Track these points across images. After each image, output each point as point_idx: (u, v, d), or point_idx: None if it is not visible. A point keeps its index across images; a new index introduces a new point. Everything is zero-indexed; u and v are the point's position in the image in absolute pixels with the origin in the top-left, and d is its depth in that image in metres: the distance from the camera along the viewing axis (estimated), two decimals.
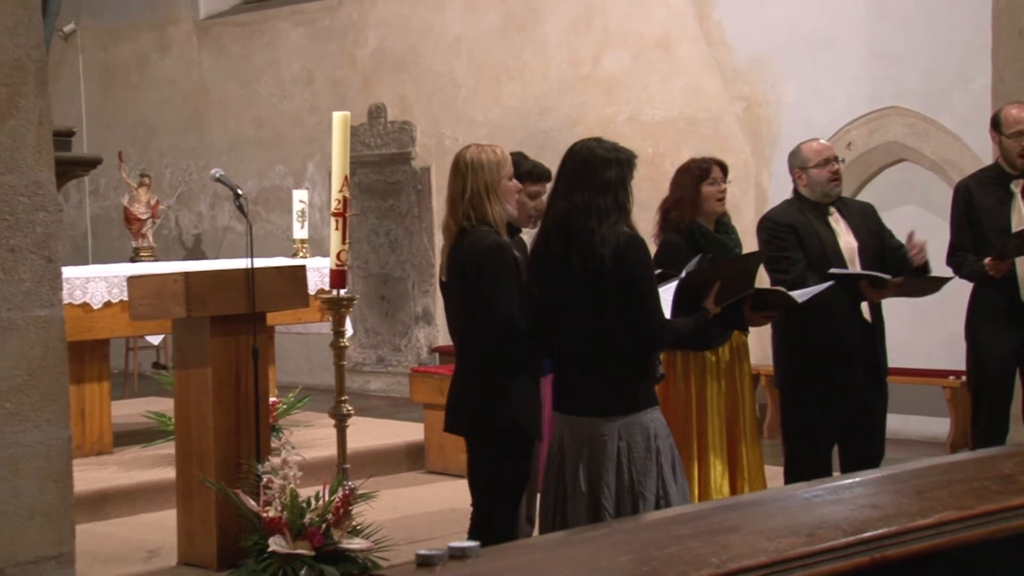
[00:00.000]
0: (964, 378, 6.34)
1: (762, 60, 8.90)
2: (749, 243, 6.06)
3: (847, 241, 5.31)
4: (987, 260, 5.58)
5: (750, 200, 8.90)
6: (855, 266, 5.25)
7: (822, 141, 5.49)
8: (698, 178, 5.32)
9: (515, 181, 4.38)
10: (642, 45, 9.54)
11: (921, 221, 7.15)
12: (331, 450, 5.79)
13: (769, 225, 5.36)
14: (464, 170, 4.25)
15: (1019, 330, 5.65)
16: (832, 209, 5.36)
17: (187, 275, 5.37)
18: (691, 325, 4.18)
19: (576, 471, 3.97)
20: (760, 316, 4.76)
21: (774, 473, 6.35)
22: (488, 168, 4.24)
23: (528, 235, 5.00)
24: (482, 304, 4.14)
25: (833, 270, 5.12)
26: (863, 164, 8.58)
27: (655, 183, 5.50)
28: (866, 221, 5.40)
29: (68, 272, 7.04)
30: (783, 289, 4.89)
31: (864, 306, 5.29)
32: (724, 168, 5.42)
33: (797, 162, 5.37)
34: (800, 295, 4.85)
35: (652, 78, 9.47)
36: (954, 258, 5.78)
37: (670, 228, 5.32)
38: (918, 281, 5.32)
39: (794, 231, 5.26)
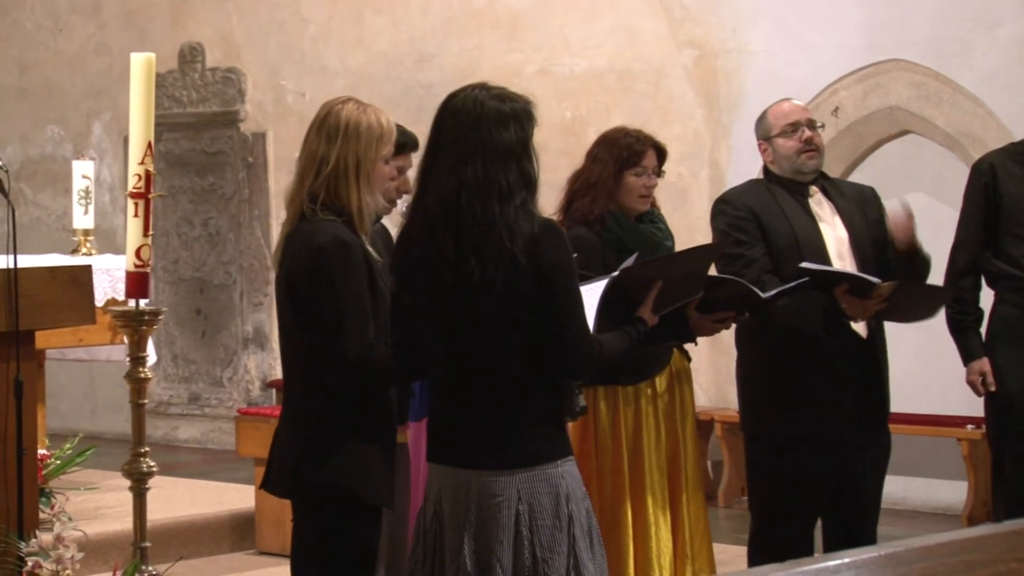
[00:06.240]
0: (984, 427, 6.48)
1: None
2: (696, 239, 6.12)
3: (833, 232, 5.33)
4: None
5: (703, 183, 8.95)
6: (843, 264, 5.24)
7: (794, 102, 5.50)
8: (624, 161, 5.36)
9: (391, 164, 4.34)
10: None
11: (932, 213, 7.27)
12: (125, 523, 5.80)
13: (724, 208, 5.38)
14: (334, 131, 4.17)
15: None
16: (814, 189, 5.37)
17: None
18: (624, 343, 4.19)
19: (459, 544, 3.96)
20: (711, 321, 4.77)
21: (733, 556, 6.44)
22: (367, 138, 4.17)
23: (389, 221, 4.99)
24: (317, 320, 4.11)
25: (805, 264, 5.08)
26: (854, 137, 8.68)
27: (574, 157, 5.51)
28: (862, 207, 5.42)
29: None
30: (743, 281, 4.90)
31: None
32: (662, 154, 5.45)
33: (760, 131, 5.41)
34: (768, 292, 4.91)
35: (571, 16, 9.51)
36: (955, 266, 5.78)
37: (575, 219, 5.34)
38: (913, 290, 5.27)
39: (755, 218, 5.27)
